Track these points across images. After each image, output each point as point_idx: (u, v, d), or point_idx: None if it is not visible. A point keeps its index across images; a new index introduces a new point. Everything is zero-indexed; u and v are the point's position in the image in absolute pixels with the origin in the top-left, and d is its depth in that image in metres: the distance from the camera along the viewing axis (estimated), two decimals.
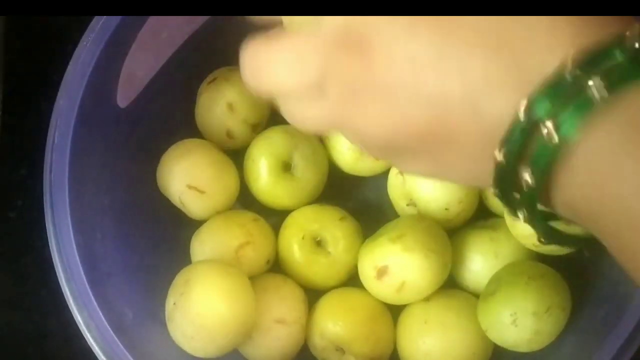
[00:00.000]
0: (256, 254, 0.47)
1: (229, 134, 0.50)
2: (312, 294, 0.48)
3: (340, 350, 0.46)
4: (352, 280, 0.49)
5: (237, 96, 0.50)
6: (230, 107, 0.50)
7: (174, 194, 0.48)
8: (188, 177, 0.48)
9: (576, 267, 0.46)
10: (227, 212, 0.47)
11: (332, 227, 0.48)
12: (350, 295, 0.48)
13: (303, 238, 0.48)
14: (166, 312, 0.44)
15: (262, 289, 0.46)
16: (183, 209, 0.49)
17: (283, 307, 0.46)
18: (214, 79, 0.50)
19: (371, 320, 0.47)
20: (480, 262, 0.47)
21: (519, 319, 0.42)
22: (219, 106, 0.50)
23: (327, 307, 0.47)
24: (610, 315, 0.41)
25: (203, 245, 0.48)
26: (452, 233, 0.48)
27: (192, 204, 0.48)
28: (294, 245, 0.48)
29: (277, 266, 0.50)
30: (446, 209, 0.47)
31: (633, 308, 0.40)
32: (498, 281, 0.45)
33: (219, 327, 0.42)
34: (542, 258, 0.47)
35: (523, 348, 0.43)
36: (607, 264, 0.44)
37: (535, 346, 0.43)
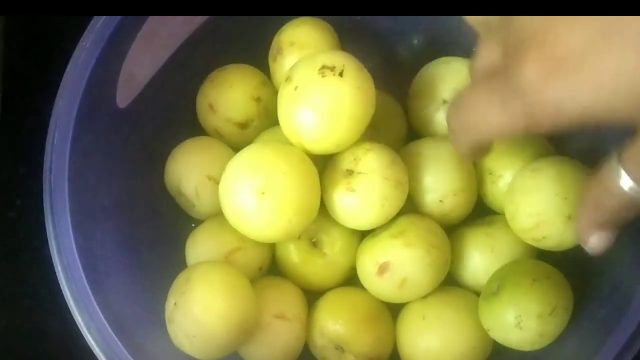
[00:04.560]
0: (247, 260, 0.47)
1: (218, 133, 0.51)
2: (311, 296, 0.48)
3: (340, 349, 0.46)
4: (349, 281, 0.49)
5: (216, 96, 0.50)
6: (211, 107, 0.50)
7: (189, 185, 0.48)
8: (209, 167, 0.48)
9: (577, 267, 0.45)
10: (222, 216, 0.47)
11: (329, 228, 0.48)
12: (350, 294, 0.48)
13: (299, 238, 0.48)
14: (166, 314, 0.44)
15: (261, 287, 0.46)
16: (195, 201, 0.49)
17: (282, 303, 0.46)
18: (204, 80, 0.51)
19: (371, 320, 0.47)
20: (477, 258, 0.47)
21: (524, 321, 0.42)
22: (203, 106, 0.51)
23: (327, 306, 0.47)
24: (611, 315, 0.41)
25: (196, 248, 0.48)
26: (449, 232, 0.48)
27: (208, 195, 0.48)
28: (290, 246, 0.48)
29: (273, 272, 0.49)
30: (441, 200, 0.47)
31: (634, 308, 0.40)
32: (501, 281, 0.44)
33: (220, 325, 0.42)
34: (541, 255, 0.47)
35: (526, 348, 0.43)
36: (608, 263, 0.44)
37: (538, 346, 0.43)
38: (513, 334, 0.43)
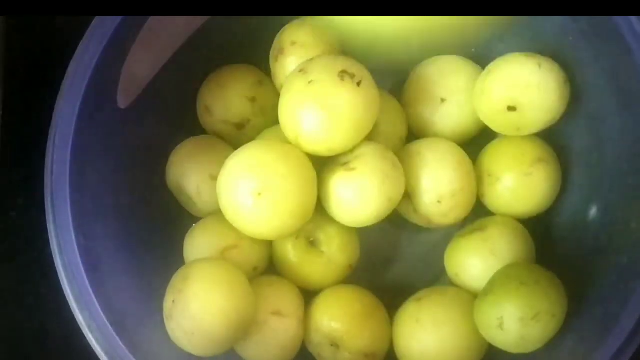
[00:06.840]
0: (243, 259, 0.47)
1: (217, 134, 0.51)
2: (308, 295, 0.48)
3: (335, 345, 0.46)
4: (346, 279, 0.49)
5: (211, 98, 0.50)
6: (207, 109, 0.51)
7: (192, 183, 0.48)
8: (211, 167, 0.48)
9: (575, 267, 0.46)
10: (221, 213, 0.47)
11: (326, 227, 0.48)
12: (346, 292, 0.48)
13: (297, 238, 0.48)
14: (165, 311, 0.44)
15: (258, 284, 0.47)
16: (196, 200, 0.49)
17: (279, 300, 0.46)
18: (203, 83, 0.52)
19: (366, 317, 0.47)
20: (479, 264, 0.47)
21: (505, 323, 0.42)
22: (201, 109, 0.51)
23: (323, 303, 0.47)
24: (609, 315, 0.41)
25: (193, 243, 0.48)
26: (444, 245, 0.49)
27: (209, 194, 0.48)
28: (287, 246, 0.48)
29: (270, 273, 0.50)
30: (439, 201, 0.47)
31: (632, 308, 0.40)
32: (493, 282, 0.45)
33: (218, 322, 0.42)
34: (542, 255, 0.47)
35: (512, 350, 0.43)
36: (606, 263, 0.44)
37: (523, 349, 0.43)
38: (496, 335, 0.43)
